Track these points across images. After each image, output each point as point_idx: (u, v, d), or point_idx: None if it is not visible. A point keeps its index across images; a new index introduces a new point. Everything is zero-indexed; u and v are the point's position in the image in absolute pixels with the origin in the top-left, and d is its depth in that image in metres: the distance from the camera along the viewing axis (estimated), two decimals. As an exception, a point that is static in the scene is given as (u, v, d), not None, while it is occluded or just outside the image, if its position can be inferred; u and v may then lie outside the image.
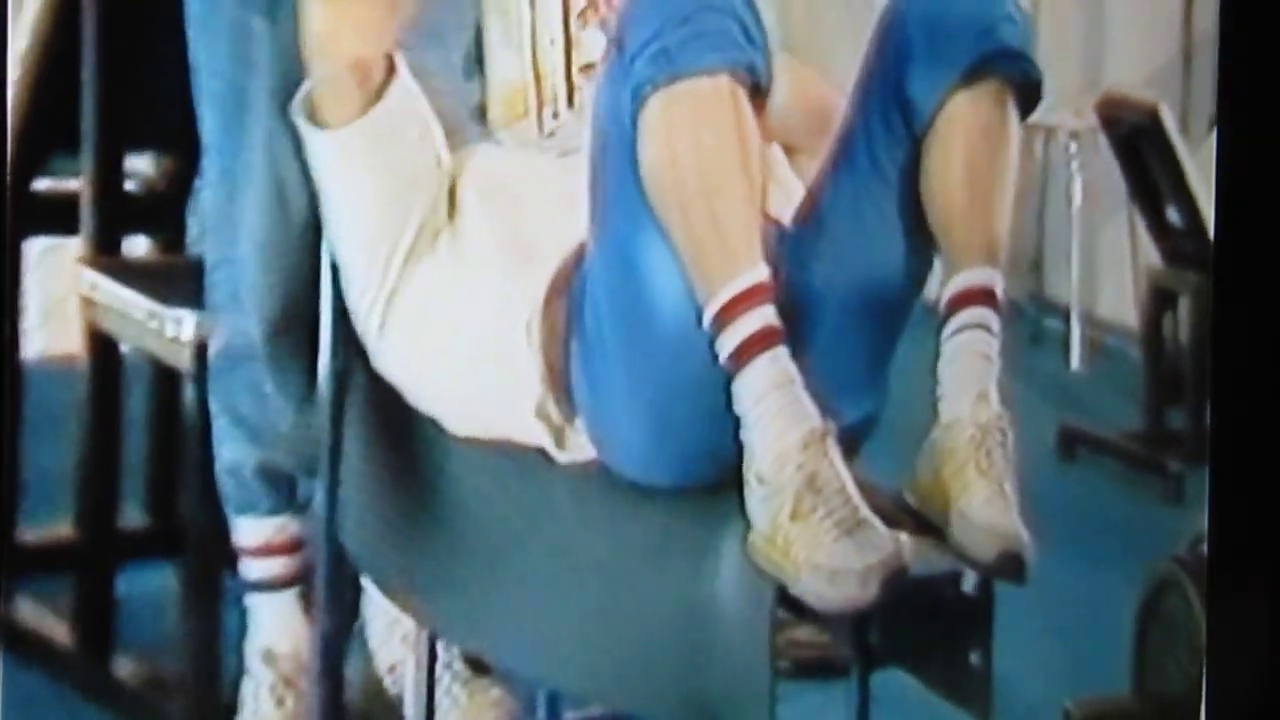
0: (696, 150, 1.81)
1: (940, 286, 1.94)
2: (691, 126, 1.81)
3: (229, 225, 2.31)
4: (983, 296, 1.91)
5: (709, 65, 1.80)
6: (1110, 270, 4.71)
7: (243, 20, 2.25)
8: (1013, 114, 1.95)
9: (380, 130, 2.04)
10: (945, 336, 1.91)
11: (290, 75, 2.21)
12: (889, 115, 1.95)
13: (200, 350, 2.40)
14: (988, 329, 1.90)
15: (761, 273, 1.81)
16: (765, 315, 1.80)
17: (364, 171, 2.05)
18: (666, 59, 1.80)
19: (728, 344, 1.80)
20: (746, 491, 1.79)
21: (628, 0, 1.88)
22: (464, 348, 2.02)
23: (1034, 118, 5.00)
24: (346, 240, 2.09)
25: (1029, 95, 1.97)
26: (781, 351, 1.80)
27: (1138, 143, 3.89)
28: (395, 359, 2.09)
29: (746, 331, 1.79)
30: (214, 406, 2.34)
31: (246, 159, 2.28)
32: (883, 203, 1.95)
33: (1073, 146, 4.61)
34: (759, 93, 1.85)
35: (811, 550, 1.73)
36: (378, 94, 2.04)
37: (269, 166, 2.25)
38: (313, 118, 2.06)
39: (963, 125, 1.93)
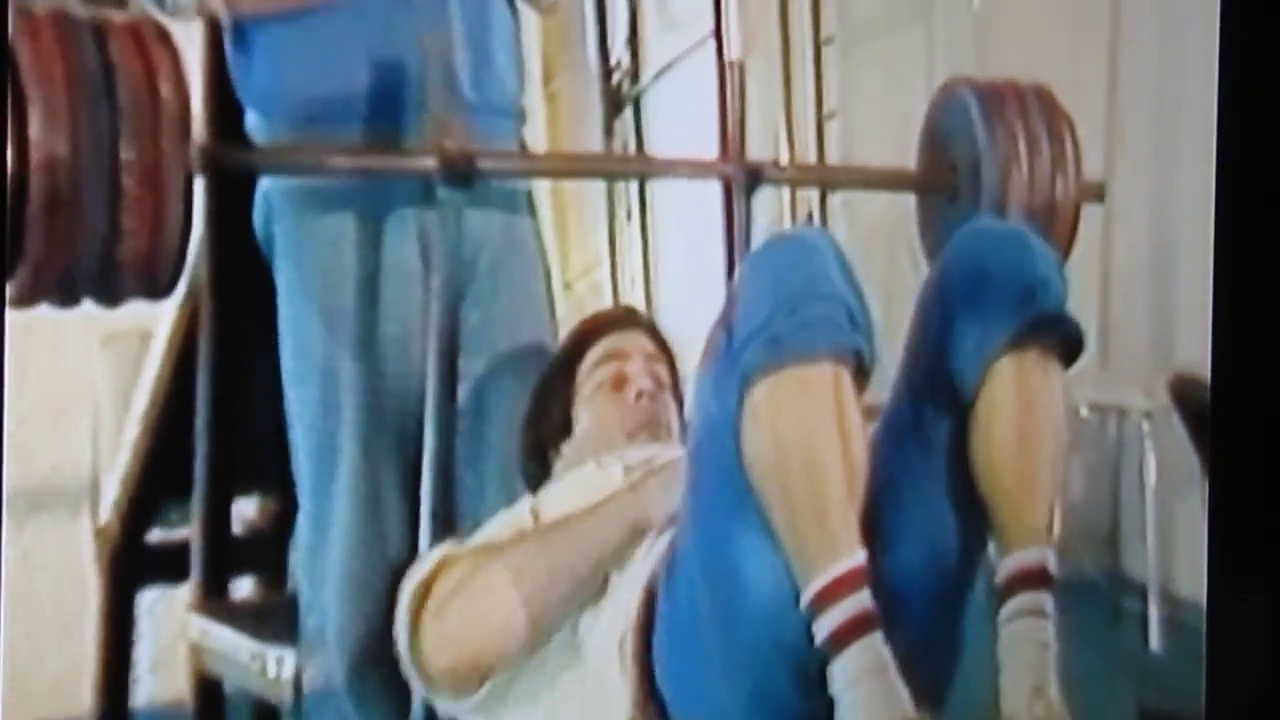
0: (801, 434, 1.82)
1: (994, 564, 1.91)
2: (797, 411, 1.83)
3: (320, 565, 2.38)
4: (1036, 578, 1.88)
5: (817, 352, 1.84)
6: (1186, 547, 4.70)
7: (331, 365, 2.35)
8: (1057, 378, 1.94)
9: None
10: (1001, 621, 1.88)
11: (377, 417, 2.29)
12: (935, 388, 1.95)
13: (299, 686, 2.44)
14: (1043, 613, 1.87)
15: (859, 557, 1.81)
16: (861, 600, 1.80)
17: None
18: (776, 346, 1.83)
19: (825, 627, 1.80)
20: None
21: (737, 289, 1.91)
22: (555, 686, 2.06)
23: (1107, 398, 4.92)
24: None
25: (1071, 352, 1.96)
26: (877, 637, 1.79)
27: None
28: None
29: (844, 616, 1.79)
30: None
31: (335, 501, 2.36)
32: (934, 476, 1.94)
33: (1145, 425, 4.59)
34: (862, 373, 1.89)
35: None
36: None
37: (357, 508, 2.34)
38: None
39: (1006, 395, 1.92)
